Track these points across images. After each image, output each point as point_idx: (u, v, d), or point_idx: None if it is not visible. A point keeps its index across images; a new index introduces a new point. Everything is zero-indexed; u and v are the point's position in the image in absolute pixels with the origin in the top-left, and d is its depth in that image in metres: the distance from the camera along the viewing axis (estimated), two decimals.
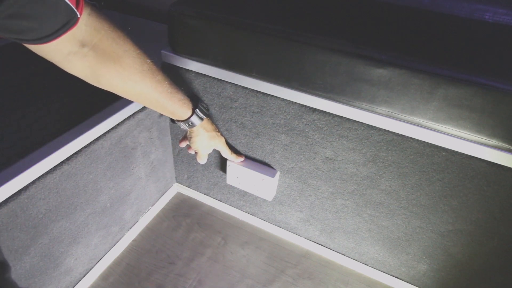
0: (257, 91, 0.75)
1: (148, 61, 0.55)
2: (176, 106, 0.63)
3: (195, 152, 0.80)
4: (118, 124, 0.76)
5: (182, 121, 0.68)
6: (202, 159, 0.80)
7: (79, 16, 0.42)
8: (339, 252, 0.94)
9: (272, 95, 0.74)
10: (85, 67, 0.48)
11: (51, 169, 0.64)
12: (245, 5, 0.76)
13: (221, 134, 0.82)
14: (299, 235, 0.97)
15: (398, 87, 0.61)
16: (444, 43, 0.67)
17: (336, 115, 0.70)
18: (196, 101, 0.69)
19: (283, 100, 0.73)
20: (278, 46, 0.67)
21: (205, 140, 0.75)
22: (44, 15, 0.38)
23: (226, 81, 0.77)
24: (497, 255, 0.70)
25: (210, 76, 0.79)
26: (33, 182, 0.62)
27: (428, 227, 0.74)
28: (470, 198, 0.66)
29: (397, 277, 0.88)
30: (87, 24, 0.44)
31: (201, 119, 0.70)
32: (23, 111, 0.75)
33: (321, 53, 0.64)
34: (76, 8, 0.41)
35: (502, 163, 0.60)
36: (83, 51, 0.46)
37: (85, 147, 0.70)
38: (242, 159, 0.86)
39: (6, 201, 0.58)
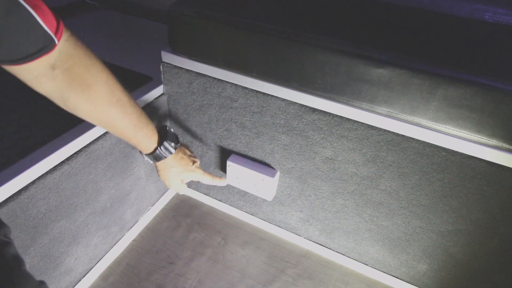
0: (257, 91, 0.75)
1: (119, 93, 0.54)
2: (139, 139, 0.62)
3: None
4: None
5: (146, 154, 0.66)
6: (177, 190, 0.75)
7: (56, 43, 0.41)
8: (339, 252, 0.94)
9: (272, 95, 0.74)
10: (53, 88, 0.47)
11: (51, 169, 0.64)
12: (245, 5, 0.76)
13: (197, 167, 0.74)
14: (299, 235, 0.97)
15: (398, 87, 0.61)
16: (444, 43, 0.67)
17: (336, 115, 0.69)
18: (164, 136, 0.66)
19: (283, 100, 0.73)
20: (278, 46, 0.67)
21: (171, 175, 0.70)
22: (20, 39, 0.38)
23: (226, 81, 0.77)
24: (497, 255, 0.70)
25: (210, 76, 0.79)
26: (33, 182, 0.62)
27: (428, 227, 0.74)
28: (470, 198, 0.66)
29: (397, 277, 0.88)
30: (61, 50, 0.44)
31: (165, 155, 0.66)
32: (23, 111, 0.75)
33: (321, 53, 0.64)
34: (55, 34, 0.40)
35: (502, 163, 0.60)
36: (53, 73, 0.45)
37: (85, 147, 0.70)
38: (224, 181, 0.79)
39: (6, 201, 0.58)
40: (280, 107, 0.74)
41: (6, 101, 0.79)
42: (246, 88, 0.76)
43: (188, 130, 0.93)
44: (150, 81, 0.87)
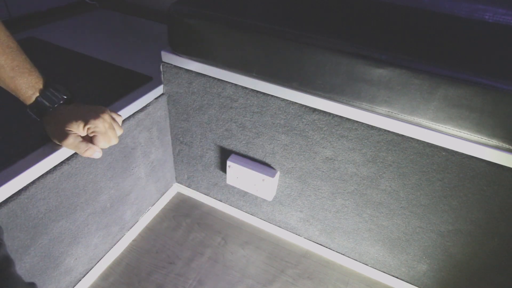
0: (257, 91, 0.75)
1: (13, 39, 0.53)
2: (18, 85, 0.54)
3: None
4: None
5: (29, 108, 0.58)
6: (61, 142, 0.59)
7: None
8: (339, 252, 0.94)
9: (272, 95, 0.74)
10: None
11: (51, 169, 0.64)
12: (245, 5, 0.76)
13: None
14: (299, 235, 0.97)
15: (398, 87, 0.61)
16: (444, 43, 0.67)
17: (336, 115, 0.70)
18: (49, 86, 0.57)
19: (283, 100, 0.73)
20: (278, 46, 0.67)
21: (57, 127, 0.58)
22: None
23: (226, 81, 0.77)
24: (497, 255, 0.70)
25: (210, 76, 0.79)
26: (33, 182, 0.62)
27: (428, 227, 0.74)
28: (470, 198, 0.66)
29: (397, 277, 0.88)
30: None
31: (49, 105, 0.57)
32: (23, 111, 0.75)
33: (321, 53, 0.64)
34: None
35: (502, 163, 0.60)
36: None
37: None
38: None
39: (6, 201, 0.58)
40: (280, 107, 0.74)
41: (6, 101, 0.79)
42: (246, 88, 0.76)
43: (188, 130, 0.93)
44: (150, 81, 0.87)
